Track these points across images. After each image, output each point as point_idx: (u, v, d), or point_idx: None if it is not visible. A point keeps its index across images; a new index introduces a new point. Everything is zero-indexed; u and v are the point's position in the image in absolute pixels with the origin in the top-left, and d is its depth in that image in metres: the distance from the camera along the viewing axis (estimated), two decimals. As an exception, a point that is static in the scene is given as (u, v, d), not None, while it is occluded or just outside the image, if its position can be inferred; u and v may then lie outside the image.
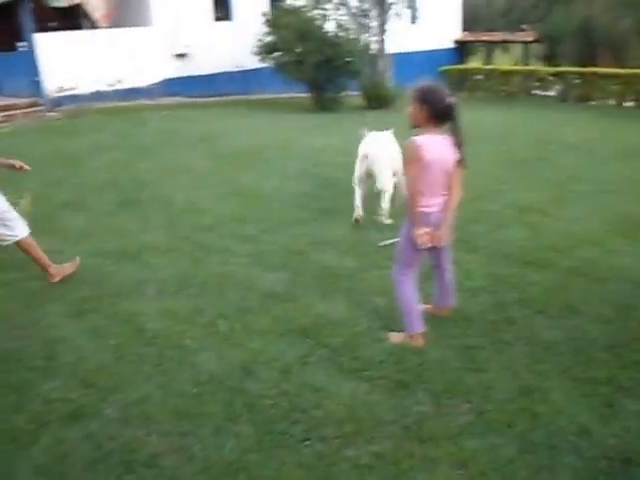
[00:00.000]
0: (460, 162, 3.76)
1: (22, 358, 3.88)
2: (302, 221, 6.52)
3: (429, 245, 3.81)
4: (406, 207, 3.86)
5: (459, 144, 3.70)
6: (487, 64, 29.19)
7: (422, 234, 3.75)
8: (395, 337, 4.04)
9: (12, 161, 5.08)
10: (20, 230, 4.91)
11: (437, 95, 3.64)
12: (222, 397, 3.41)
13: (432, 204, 3.77)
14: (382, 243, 5.79)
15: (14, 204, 5.13)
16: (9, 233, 4.86)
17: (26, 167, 5.17)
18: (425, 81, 3.76)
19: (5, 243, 4.91)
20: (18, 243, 4.93)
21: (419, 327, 3.97)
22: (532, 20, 30.65)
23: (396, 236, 5.88)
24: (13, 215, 4.91)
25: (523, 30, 29.93)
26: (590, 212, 7.08)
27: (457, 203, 3.89)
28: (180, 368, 3.72)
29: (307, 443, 3.03)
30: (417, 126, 3.72)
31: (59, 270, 5.09)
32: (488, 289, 4.83)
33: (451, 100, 3.62)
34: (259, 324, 4.25)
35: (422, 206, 3.74)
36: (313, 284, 4.93)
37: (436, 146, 3.66)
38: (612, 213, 7.05)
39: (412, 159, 3.68)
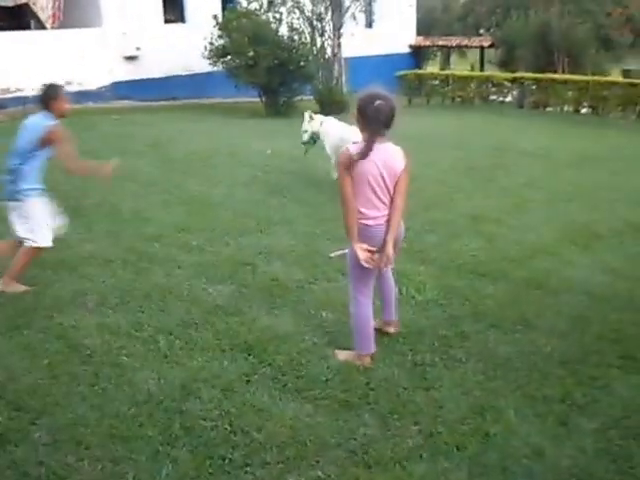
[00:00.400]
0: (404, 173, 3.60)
1: (-55, 380, 3.68)
2: (250, 230, 6.41)
3: (372, 264, 3.65)
4: (346, 222, 3.66)
5: (367, 146, 3.48)
6: (444, 69, 29.48)
7: (362, 250, 3.60)
8: (342, 355, 3.94)
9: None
10: (41, 239, 4.94)
11: (366, 100, 3.52)
12: (160, 418, 3.29)
13: (373, 216, 3.63)
14: (332, 254, 5.71)
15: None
16: (30, 236, 4.90)
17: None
18: (370, 87, 3.65)
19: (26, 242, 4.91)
20: (30, 247, 4.90)
21: (370, 348, 3.88)
22: (489, 25, 31.13)
23: (347, 247, 5.88)
24: (41, 224, 4.98)
25: (480, 35, 30.35)
26: (545, 221, 7.15)
27: (400, 214, 3.73)
28: (117, 388, 3.58)
29: (248, 469, 2.94)
30: (362, 133, 3.61)
31: (14, 286, 4.89)
32: (440, 302, 4.80)
33: (379, 103, 3.46)
34: (201, 340, 4.14)
35: (362, 219, 3.61)
36: (259, 297, 4.83)
37: (375, 154, 3.51)
38: (568, 222, 7.13)
39: (345, 169, 3.55)
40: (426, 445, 3.14)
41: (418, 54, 29.06)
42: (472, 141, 12.67)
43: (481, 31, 33.21)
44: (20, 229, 4.88)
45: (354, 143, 3.58)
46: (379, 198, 3.61)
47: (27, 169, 5.04)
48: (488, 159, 10.68)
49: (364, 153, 3.48)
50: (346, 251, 5.72)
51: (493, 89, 22.01)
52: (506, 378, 3.79)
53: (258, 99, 17.26)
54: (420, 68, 27.11)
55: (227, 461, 2.98)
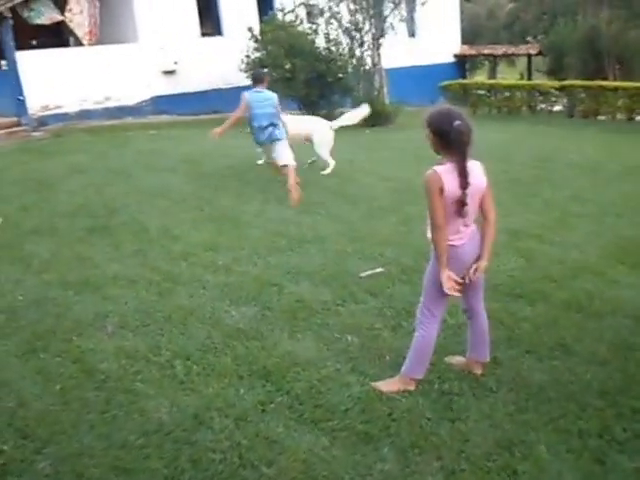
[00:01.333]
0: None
1: (-44, 405, 3.68)
2: (280, 249, 6.32)
3: (455, 293, 3.58)
4: (438, 245, 3.54)
5: (462, 176, 3.39)
6: (490, 78, 29.13)
7: (449, 280, 3.52)
8: (384, 385, 3.78)
9: None
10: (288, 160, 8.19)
11: (442, 120, 3.41)
12: (168, 450, 3.22)
13: (458, 237, 3.54)
14: (363, 274, 5.60)
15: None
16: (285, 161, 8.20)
17: None
18: (437, 105, 3.57)
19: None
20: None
21: (421, 373, 3.76)
22: (536, 32, 30.67)
23: (379, 266, 5.76)
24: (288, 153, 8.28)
25: (527, 43, 29.92)
26: (591, 237, 6.89)
27: (494, 230, 3.67)
28: (127, 416, 3.53)
29: (253, 508, 2.83)
30: (437, 153, 3.51)
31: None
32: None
33: (456, 124, 3.34)
34: (219, 365, 4.06)
35: (449, 240, 3.51)
36: (282, 319, 4.73)
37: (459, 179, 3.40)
38: (616, 238, 6.86)
39: (433, 191, 3.41)
40: (447, 484, 2.99)
41: (463, 63, 28.79)
42: (517, 152, 12.42)
43: (528, 38, 32.72)
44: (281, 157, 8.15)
45: (437, 165, 3.44)
46: (463, 218, 3.51)
47: (279, 124, 8.28)
48: (533, 171, 10.43)
49: (464, 184, 3.38)
50: (379, 270, 5.67)
51: (540, 98, 21.61)
52: (539, 410, 3.61)
53: (298, 111, 17.24)
54: (465, 78, 26.86)
55: (233, 498, 2.89)
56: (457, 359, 4.06)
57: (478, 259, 3.66)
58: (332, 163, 9.48)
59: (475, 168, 3.50)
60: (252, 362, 4.07)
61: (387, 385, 3.79)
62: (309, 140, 9.58)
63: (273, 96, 8.35)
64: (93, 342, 4.40)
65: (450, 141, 3.37)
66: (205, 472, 3.04)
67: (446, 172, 3.39)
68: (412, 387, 3.75)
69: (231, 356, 4.17)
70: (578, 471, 3.11)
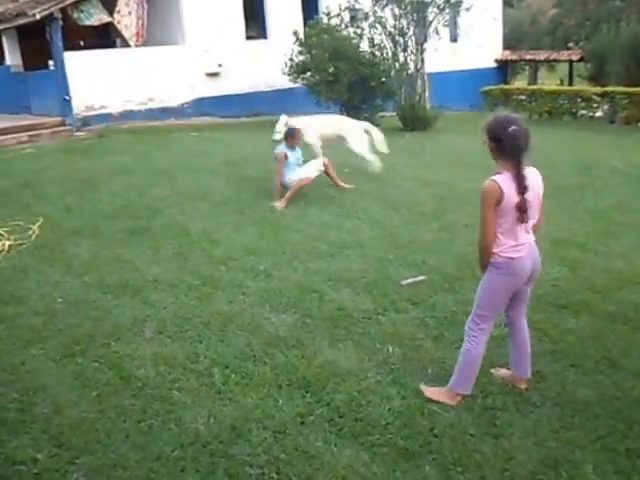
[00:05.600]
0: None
1: (-7, 409, 3.63)
2: (321, 254, 6.20)
3: None
4: (483, 255, 3.46)
5: (518, 182, 3.28)
6: (532, 84, 28.63)
7: None
8: (431, 392, 3.69)
9: None
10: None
11: (498, 126, 3.30)
12: (204, 463, 3.12)
13: (517, 248, 3.41)
14: (405, 282, 5.44)
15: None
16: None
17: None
18: (499, 112, 3.45)
19: None
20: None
21: (468, 389, 3.63)
22: (578, 38, 30.08)
23: (421, 274, 5.60)
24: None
25: (569, 49, 29.36)
26: (637, 246, 6.63)
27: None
28: (163, 425, 3.44)
29: (290, 527, 2.71)
30: (496, 161, 3.39)
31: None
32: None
33: (512, 130, 3.23)
34: (258, 374, 3.95)
35: (505, 252, 3.39)
36: (323, 328, 4.61)
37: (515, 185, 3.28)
38: (663, 248, 6.58)
39: (489, 203, 3.29)
40: (491, 506, 2.84)
41: (505, 69, 28.37)
42: (559, 159, 12.09)
43: (570, 44, 32.13)
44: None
45: (496, 174, 3.31)
46: (522, 228, 3.40)
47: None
48: (575, 178, 10.13)
49: (522, 190, 3.27)
50: (421, 279, 5.51)
51: (582, 104, 21.10)
52: (585, 427, 3.43)
53: (339, 114, 17.12)
54: (507, 83, 26.43)
55: (269, 516, 2.77)
56: (503, 372, 3.91)
57: (533, 274, 3.53)
58: (372, 158, 9.48)
59: (532, 174, 3.38)
60: (291, 372, 3.96)
61: (433, 393, 3.68)
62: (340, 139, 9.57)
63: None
64: (131, 348, 4.33)
65: (505, 147, 3.28)
66: (242, 488, 2.93)
67: (505, 180, 3.28)
68: (455, 402, 3.59)
69: (270, 365, 4.06)
70: (627, 493, 2.94)
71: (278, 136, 9.07)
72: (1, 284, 5.51)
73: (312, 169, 8.30)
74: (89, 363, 4.12)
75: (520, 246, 3.41)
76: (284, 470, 3.04)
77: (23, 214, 7.59)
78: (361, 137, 9.39)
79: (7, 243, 6.57)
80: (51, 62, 15.79)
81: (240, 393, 3.74)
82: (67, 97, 15.27)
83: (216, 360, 4.13)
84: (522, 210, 3.30)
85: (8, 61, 18.20)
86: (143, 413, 3.55)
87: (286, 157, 8.06)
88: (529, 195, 3.29)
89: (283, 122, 9.18)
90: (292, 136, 8.11)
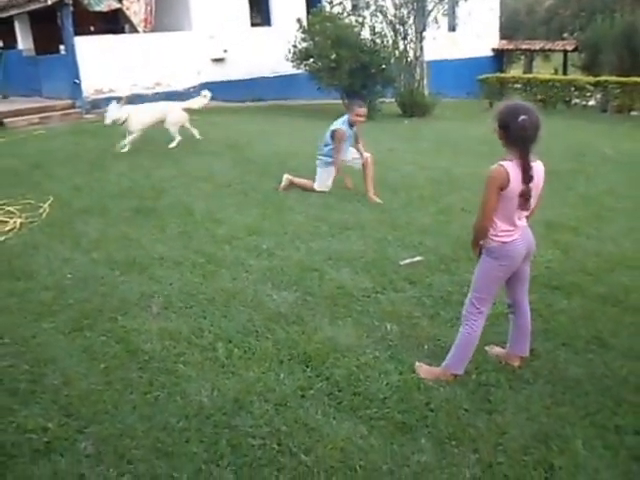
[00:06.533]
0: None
1: (4, 380, 3.62)
2: (322, 235, 6.17)
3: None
4: (478, 235, 3.44)
5: (524, 171, 3.21)
6: (527, 73, 28.47)
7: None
8: (425, 371, 3.67)
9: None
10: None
11: (508, 115, 3.22)
12: (208, 434, 3.10)
13: (511, 233, 3.37)
14: (403, 262, 5.41)
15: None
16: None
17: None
18: (509, 99, 3.37)
19: None
20: None
21: (462, 369, 3.60)
22: (573, 29, 29.84)
23: (418, 254, 5.58)
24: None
25: (564, 39, 29.16)
26: (628, 231, 6.59)
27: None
28: (169, 398, 3.42)
29: (291, 495, 2.70)
30: (505, 148, 3.31)
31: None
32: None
33: (522, 119, 3.15)
34: (260, 349, 3.93)
35: (499, 236, 3.36)
36: (323, 305, 4.58)
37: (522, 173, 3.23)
38: (652, 233, 6.55)
39: (494, 186, 3.24)
40: (484, 477, 2.83)
41: (501, 58, 28.24)
42: (552, 146, 11.99)
43: (565, 35, 31.87)
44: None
45: (505, 161, 3.24)
46: (520, 214, 3.37)
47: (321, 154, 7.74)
48: (568, 164, 10.08)
49: (528, 179, 3.21)
50: (418, 259, 5.49)
51: (576, 93, 21.00)
52: (575, 404, 3.42)
53: (340, 101, 17.02)
54: (502, 72, 26.28)
55: (271, 485, 2.76)
56: (497, 350, 3.89)
57: (528, 255, 3.51)
58: (178, 138, 10.20)
59: (538, 166, 3.32)
60: (292, 347, 3.94)
61: (426, 372, 3.65)
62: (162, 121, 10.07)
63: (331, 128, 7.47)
64: (138, 322, 4.31)
65: (513, 136, 3.20)
66: (244, 458, 2.92)
67: (512, 167, 3.21)
68: (451, 379, 3.58)
69: (272, 340, 4.04)
70: (615, 468, 2.93)
71: (109, 121, 9.54)
72: (12, 260, 5.48)
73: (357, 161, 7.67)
74: (97, 337, 4.10)
75: (514, 230, 3.37)
76: (285, 441, 3.03)
77: (34, 193, 7.55)
78: (179, 116, 10.22)
79: (19, 221, 6.55)
80: (62, 47, 15.71)
81: (243, 367, 3.72)
82: (77, 81, 15.19)
83: (220, 335, 4.11)
84: (525, 198, 3.26)
85: (20, 45, 18.09)
86: (149, 385, 3.53)
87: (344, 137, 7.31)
88: (532, 185, 3.24)
89: (115, 108, 9.57)
90: (357, 113, 7.22)
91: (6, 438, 3.10)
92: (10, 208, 6.95)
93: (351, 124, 7.30)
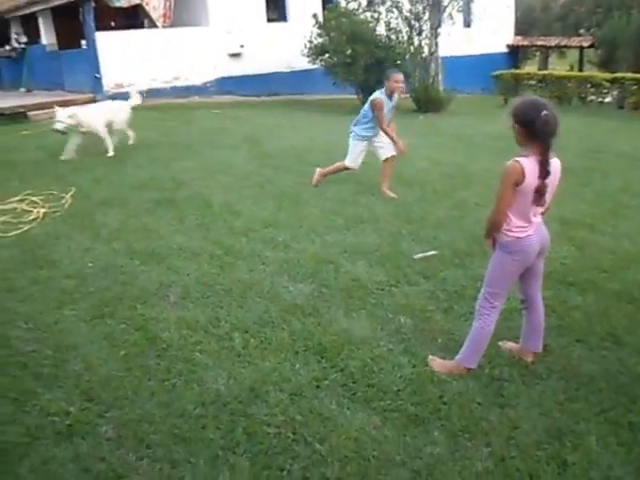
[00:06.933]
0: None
1: (28, 364, 3.66)
2: (337, 228, 6.17)
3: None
4: (491, 229, 3.41)
5: (542, 166, 3.16)
6: (542, 69, 28.22)
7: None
8: (438, 365, 3.65)
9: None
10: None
11: (529, 110, 3.16)
12: (224, 421, 3.12)
13: (526, 229, 3.33)
14: (417, 256, 5.40)
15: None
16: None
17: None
18: (525, 96, 3.34)
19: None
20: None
21: (475, 363, 3.58)
22: (589, 25, 29.53)
23: (432, 248, 5.57)
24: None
25: (580, 35, 28.86)
26: (644, 228, 6.53)
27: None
28: (186, 385, 3.44)
29: (305, 483, 2.71)
30: (521, 145, 3.27)
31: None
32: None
33: (543, 115, 3.10)
34: (276, 340, 3.94)
35: (513, 231, 3.33)
36: (338, 298, 4.58)
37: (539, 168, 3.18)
38: (668, 230, 6.48)
39: (509, 182, 3.20)
40: (496, 471, 2.81)
41: (516, 54, 28.01)
42: (568, 142, 11.90)
43: (581, 31, 31.53)
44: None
45: (521, 156, 3.19)
46: (535, 210, 3.33)
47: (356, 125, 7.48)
48: (584, 161, 9.99)
49: (545, 174, 3.16)
50: (432, 253, 5.48)
51: (592, 89, 20.78)
52: (589, 400, 3.39)
53: (355, 96, 16.99)
54: (517, 68, 26.08)
55: (285, 473, 2.77)
56: (510, 345, 3.87)
57: (542, 251, 3.48)
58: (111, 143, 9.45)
59: (555, 163, 3.27)
60: (308, 338, 3.95)
61: (440, 365, 3.64)
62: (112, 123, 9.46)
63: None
64: (156, 311, 4.34)
65: (536, 131, 3.13)
66: (260, 445, 2.93)
67: (528, 163, 3.17)
68: (464, 372, 3.58)
69: (288, 331, 4.05)
70: (629, 465, 2.90)
71: (60, 125, 8.77)
72: (36, 249, 5.54)
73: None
74: (117, 324, 4.13)
75: (528, 226, 3.34)
76: (300, 430, 3.05)
77: (57, 184, 7.62)
78: (128, 115, 9.77)
79: (42, 211, 6.62)
80: (83, 42, 15.84)
81: (259, 357, 3.73)
82: (98, 75, 15.30)
83: (236, 325, 4.13)
84: (541, 193, 3.22)
85: (44, 40, 18.23)
86: (167, 373, 3.56)
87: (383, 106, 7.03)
88: (548, 180, 3.20)
89: (64, 114, 8.79)
90: (395, 80, 6.99)
91: (30, 420, 3.14)
92: (34, 198, 7.03)
93: (389, 95, 7.11)
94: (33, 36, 18.86)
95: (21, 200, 7.00)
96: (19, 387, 3.43)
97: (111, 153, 9.23)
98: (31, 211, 6.61)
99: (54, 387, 3.43)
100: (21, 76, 18.94)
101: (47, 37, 18.17)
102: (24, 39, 19.50)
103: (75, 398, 3.32)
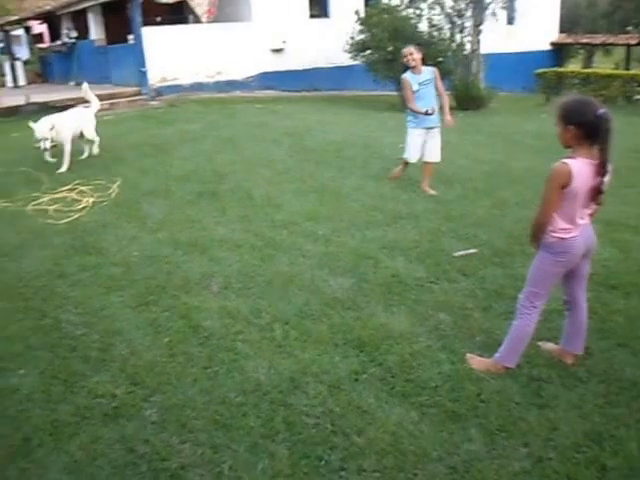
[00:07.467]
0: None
1: (77, 347, 3.79)
2: (377, 223, 6.16)
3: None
4: (536, 231, 3.35)
5: (602, 165, 3.08)
6: (585, 67, 27.68)
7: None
8: (476, 362, 3.62)
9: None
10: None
11: (585, 110, 3.06)
12: (264, 410, 3.16)
13: (571, 230, 3.27)
14: (457, 253, 5.37)
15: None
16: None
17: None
18: (569, 95, 3.27)
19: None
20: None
21: (514, 363, 3.55)
22: (637, 22, 28.81)
23: (472, 247, 5.52)
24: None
25: (627, 33, 28.20)
26: (690, 232, 6.36)
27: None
28: (228, 373, 3.49)
29: (343, 474, 2.74)
30: (568, 147, 3.18)
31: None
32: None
33: (601, 113, 3.01)
34: (316, 332, 3.96)
35: (558, 232, 3.27)
36: (378, 292, 4.58)
37: (590, 170, 3.10)
38: None
39: (556, 184, 3.13)
40: (534, 471, 2.79)
41: (559, 52, 27.49)
42: (613, 142, 11.69)
43: (628, 28, 30.78)
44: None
45: (568, 158, 3.12)
46: (582, 212, 3.27)
47: None
48: (629, 162, 9.74)
49: (603, 172, 3.09)
50: (472, 251, 5.44)
51: (638, 88, 20.32)
52: (630, 405, 3.31)
53: (395, 93, 16.91)
54: (561, 66, 25.62)
55: (323, 462, 2.79)
56: (550, 345, 3.81)
57: (587, 253, 3.42)
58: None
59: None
60: (347, 331, 3.96)
61: (478, 363, 3.62)
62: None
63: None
64: (199, 300, 4.41)
65: (592, 132, 3.05)
66: (298, 435, 2.96)
67: (578, 165, 3.09)
68: (502, 372, 3.54)
69: (327, 324, 4.07)
70: (672, 473, 2.85)
71: (40, 135, 7.82)
72: (85, 236, 5.70)
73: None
74: (161, 312, 4.21)
75: (573, 228, 3.27)
76: (338, 422, 3.06)
77: (104, 174, 7.79)
78: (93, 123, 8.88)
79: (91, 200, 6.80)
80: (130, 37, 16.04)
81: (299, 348, 3.76)
82: (143, 69, 15.51)
83: (277, 316, 4.17)
84: (599, 191, 3.14)
85: (92, 35, 18.57)
86: (209, 360, 3.61)
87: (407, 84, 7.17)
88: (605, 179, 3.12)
89: (44, 123, 7.86)
90: (403, 55, 7.26)
91: (79, 401, 3.24)
92: (83, 188, 7.21)
93: (413, 72, 7.20)
94: (83, 31, 19.20)
95: (71, 189, 7.19)
96: (69, 369, 3.54)
97: (64, 169, 8.15)
98: (80, 200, 6.77)
99: (101, 370, 3.53)
100: (71, 70, 19.33)
101: (96, 32, 18.48)
102: (74, 34, 19.87)
103: (121, 381, 3.41)
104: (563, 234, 3.27)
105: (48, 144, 7.93)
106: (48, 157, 8.28)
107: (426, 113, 7.09)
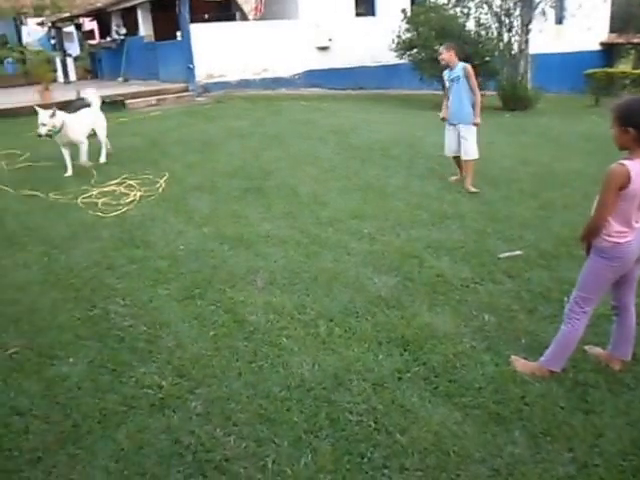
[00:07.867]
0: None
1: (125, 338, 3.86)
2: (422, 223, 6.12)
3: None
4: (590, 234, 3.28)
5: None
6: (637, 68, 26.97)
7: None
8: (521, 365, 3.58)
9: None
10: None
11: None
12: (308, 406, 3.18)
13: (627, 234, 3.19)
14: (503, 255, 5.30)
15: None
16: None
17: None
18: (626, 96, 3.20)
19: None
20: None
21: (559, 367, 3.50)
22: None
23: (517, 248, 5.45)
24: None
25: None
26: None
27: None
28: (272, 368, 3.52)
29: (385, 472, 2.73)
30: (624, 149, 3.12)
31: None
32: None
33: None
34: (360, 330, 3.97)
35: (613, 237, 3.19)
36: (422, 292, 4.56)
37: None
38: None
39: (613, 186, 3.06)
40: (579, 477, 2.74)
41: (609, 52, 26.84)
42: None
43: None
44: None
45: (626, 159, 3.06)
46: (638, 214, 3.19)
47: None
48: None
49: None
50: (517, 253, 5.36)
51: (690, 90, 19.77)
52: (679, 414, 3.25)
53: (441, 92, 16.77)
54: (611, 67, 25.03)
55: (366, 460, 2.80)
56: (597, 350, 3.74)
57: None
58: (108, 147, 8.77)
59: None
60: (391, 330, 3.95)
61: (523, 366, 3.57)
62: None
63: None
64: (244, 295, 4.45)
65: None
66: (342, 432, 2.97)
67: (635, 166, 3.02)
68: (547, 375, 3.49)
69: (371, 322, 4.07)
70: None
71: (44, 130, 7.54)
72: (133, 230, 5.81)
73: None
74: (207, 306, 4.27)
75: (629, 232, 3.19)
76: (381, 420, 3.06)
77: (152, 169, 7.92)
78: (104, 125, 8.72)
79: (138, 194, 6.92)
80: (178, 33, 16.23)
81: (343, 345, 3.77)
82: (191, 65, 15.68)
83: (321, 313, 4.18)
84: None
85: (141, 32, 18.84)
86: (254, 355, 3.65)
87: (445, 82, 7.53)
88: None
89: (47, 115, 7.55)
90: (442, 58, 7.40)
91: (127, 391, 3.31)
92: (131, 182, 7.34)
93: (449, 69, 7.49)
94: (132, 28, 19.50)
95: (119, 183, 7.33)
96: (117, 359, 3.62)
97: (69, 173, 7.94)
98: (128, 194, 6.90)
99: (148, 361, 3.59)
100: (120, 66, 19.68)
101: (145, 29, 18.74)
102: (123, 31, 20.20)
103: (167, 373, 3.47)
104: (618, 238, 3.19)
105: (44, 130, 7.54)
106: (66, 156, 8.03)
107: (442, 119, 7.59)
